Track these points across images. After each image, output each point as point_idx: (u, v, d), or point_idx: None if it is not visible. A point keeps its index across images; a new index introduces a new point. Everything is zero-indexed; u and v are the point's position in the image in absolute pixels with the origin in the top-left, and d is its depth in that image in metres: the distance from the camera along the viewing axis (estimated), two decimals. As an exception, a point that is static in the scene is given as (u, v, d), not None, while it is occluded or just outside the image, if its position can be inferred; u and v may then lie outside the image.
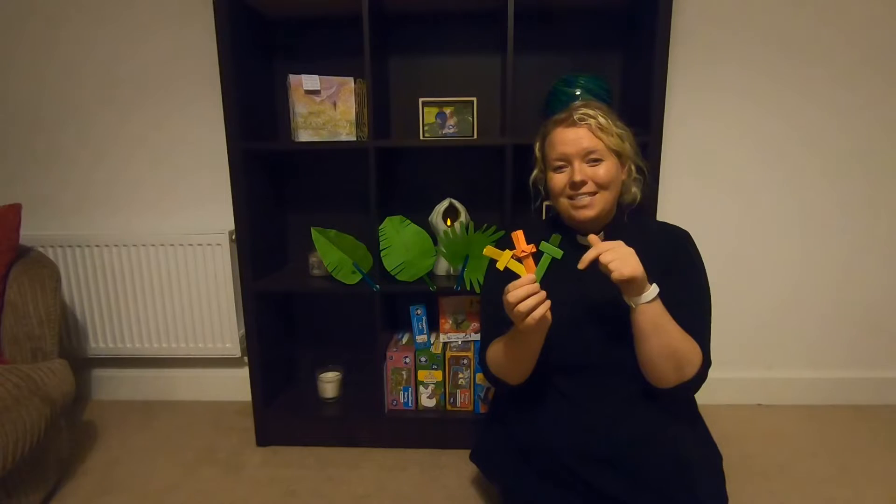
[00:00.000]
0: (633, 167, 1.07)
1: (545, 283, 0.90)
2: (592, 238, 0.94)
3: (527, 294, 0.87)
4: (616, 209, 1.08)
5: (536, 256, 0.90)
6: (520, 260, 0.90)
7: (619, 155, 1.03)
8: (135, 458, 1.54)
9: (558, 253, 0.89)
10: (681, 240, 1.07)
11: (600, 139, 0.99)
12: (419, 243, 1.47)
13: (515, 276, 0.90)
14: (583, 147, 0.99)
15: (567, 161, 1.01)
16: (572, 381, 1.05)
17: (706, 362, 0.98)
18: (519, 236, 0.91)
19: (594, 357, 1.02)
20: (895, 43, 1.57)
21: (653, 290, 0.92)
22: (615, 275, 0.88)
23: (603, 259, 0.89)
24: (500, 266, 0.91)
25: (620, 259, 0.89)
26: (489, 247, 0.92)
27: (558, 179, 1.03)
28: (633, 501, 0.95)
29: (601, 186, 1.00)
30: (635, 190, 1.09)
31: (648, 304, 0.91)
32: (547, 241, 0.90)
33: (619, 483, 0.96)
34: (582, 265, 0.90)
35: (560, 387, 1.06)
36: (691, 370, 0.95)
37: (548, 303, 0.89)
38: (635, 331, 0.95)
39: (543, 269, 0.89)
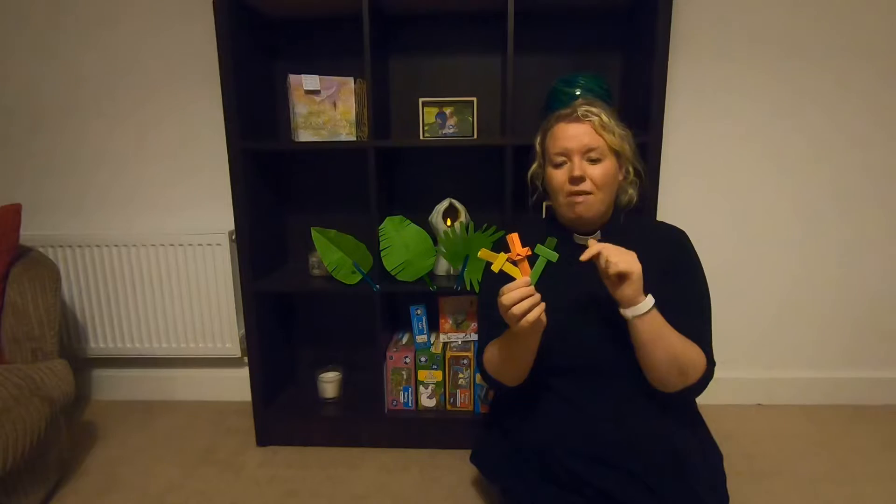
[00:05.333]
0: (630, 169, 1.07)
1: (540, 285, 0.90)
2: (591, 241, 0.94)
3: (521, 297, 0.87)
4: (613, 210, 1.08)
5: (532, 259, 0.90)
6: (515, 263, 0.90)
7: (618, 156, 1.03)
8: (135, 458, 1.54)
9: (554, 256, 0.89)
10: (679, 239, 1.07)
11: (602, 137, 0.99)
12: (419, 243, 1.47)
13: (511, 278, 0.90)
14: (584, 143, 0.99)
15: (567, 156, 1.01)
16: (570, 382, 1.05)
17: (710, 364, 0.98)
18: (514, 239, 0.91)
19: (592, 358, 1.02)
20: (894, 44, 1.57)
21: (647, 301, 0.92)
22: (612, 268, 0.89)
23: (605, 251, 0.90)
24: (496, 269, 0.90)
25: (619, 254, 0.90)
26: (484, 249, 0.92)
27: (557, 175, 1.02)
28: (634, 502, 0.95)
29: (598, 186, 1.00)
30: (632, 192, 1.09)
31: (643, 316, 0.91)
32: (543, 243, 0.90)
33: (619, 483, 0.96)
34: (584, 258, 0.91)
35: (558, 388, 1.06)
36: (696, 374, 0.95)
37: (542, 305, 0.89)
38: (634, 342, 0.95)
39: (539, 271, 0.89)
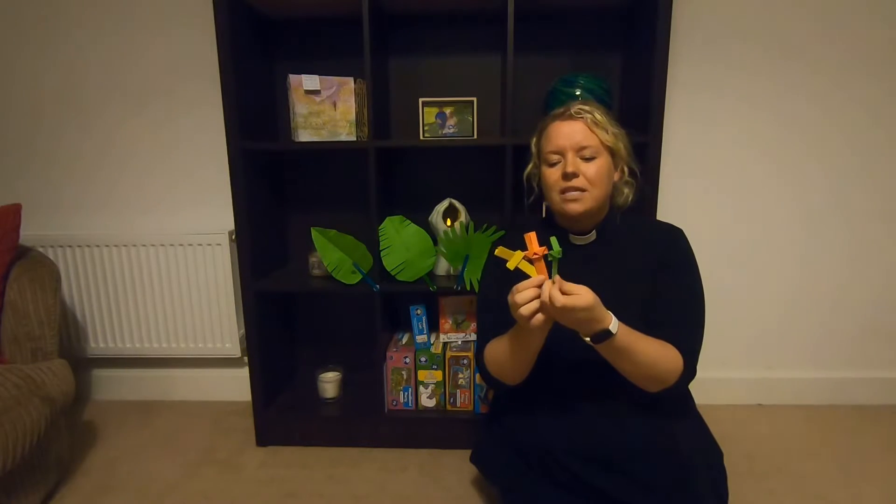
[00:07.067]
0: (626, 169, 1.07)
1: None
2: (558, 280, 0.88)
3: (535, 295, 0.87)
4: (608, 210, 1.09)
5: (547, 259, 0.91)
6: (531, 261, 0.91)
7: (612, 154, 1.03)
8: (135, 458, 1.54)
9: (558, 252, 0.89)
10: (674, 237, 1.07)
11: (595, 134, 1.00)
12: (419, 243, 1.47)
13: (517, 278, 0.90)
14: (577, 141, 1.00)
15: (561, 154, 1.01)
16: (570, 382, 1.06)
17: (689, 365, 0.97)
18: (532, 238, 0.91)
19: (590, 358, 1.02)
20: (892, 45, 1.57)
21: (606, 329, 0.90)
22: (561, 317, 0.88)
23: (555, 311, 0.87)
24: (511, 266, 0.91)
25: (561, 315, 0.87)
26: (501, 248, 0.92)
27: (552, 173, 1.03)
28: (634, 502, 0.95)
29: (592, 182, 1.00)
30: (627, 192, 1.10)
31: (604, 343, 0.91)
32: (547, 242, 0.90)
33: (619, 483, 0.96)
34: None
35: (558, 388, 1.07)
36: (672, 377, 0.96)
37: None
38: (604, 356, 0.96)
39: (554, 272, 0.89)
